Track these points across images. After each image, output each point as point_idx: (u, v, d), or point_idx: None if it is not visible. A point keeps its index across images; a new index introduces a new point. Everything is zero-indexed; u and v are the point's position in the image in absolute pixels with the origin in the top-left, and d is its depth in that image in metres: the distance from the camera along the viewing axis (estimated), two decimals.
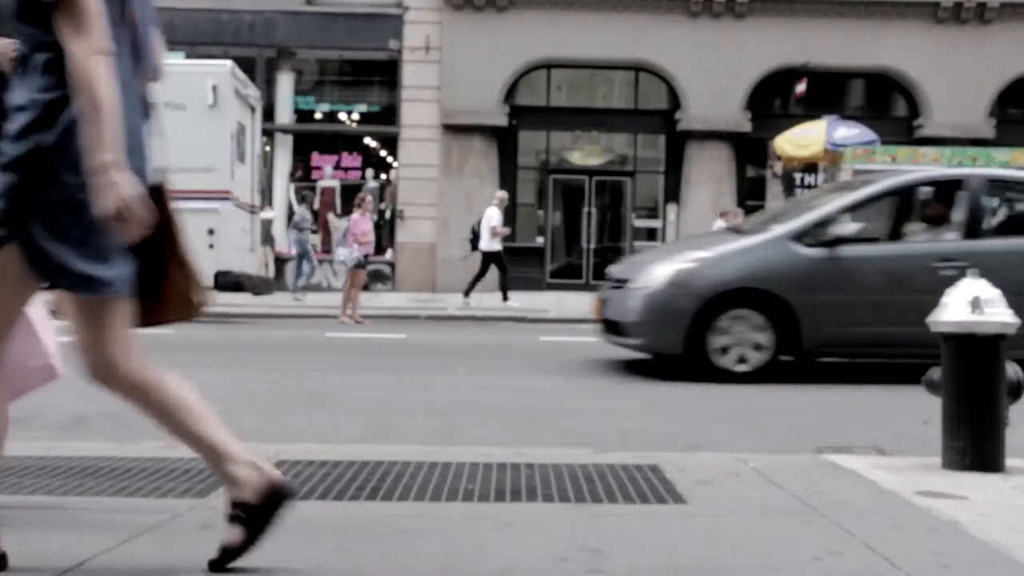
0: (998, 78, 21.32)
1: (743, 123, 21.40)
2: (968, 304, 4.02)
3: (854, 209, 8.33)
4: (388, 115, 22.19)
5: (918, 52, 21.18)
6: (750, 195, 22.19)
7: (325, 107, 22.39)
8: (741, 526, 3.21)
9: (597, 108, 22.64)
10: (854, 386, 7.77)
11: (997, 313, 4.02)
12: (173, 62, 17.46)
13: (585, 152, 23.09)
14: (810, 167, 20.22)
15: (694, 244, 9.04)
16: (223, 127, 13.83)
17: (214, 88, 13.72)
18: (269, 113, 20.37)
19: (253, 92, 15.59)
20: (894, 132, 20.25)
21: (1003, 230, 8.47)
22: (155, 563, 2.74)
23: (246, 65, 17.50)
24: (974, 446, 3.99)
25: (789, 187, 21.99)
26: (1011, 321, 4.06)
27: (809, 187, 21.72)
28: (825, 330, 7.76)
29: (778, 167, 21.21)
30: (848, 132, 17.72)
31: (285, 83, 22.04)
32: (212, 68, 14.35)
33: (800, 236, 7.93)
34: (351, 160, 22.34)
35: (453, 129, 21.32)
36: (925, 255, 7.97)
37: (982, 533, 3.11)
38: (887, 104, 22.51)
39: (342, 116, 22.39)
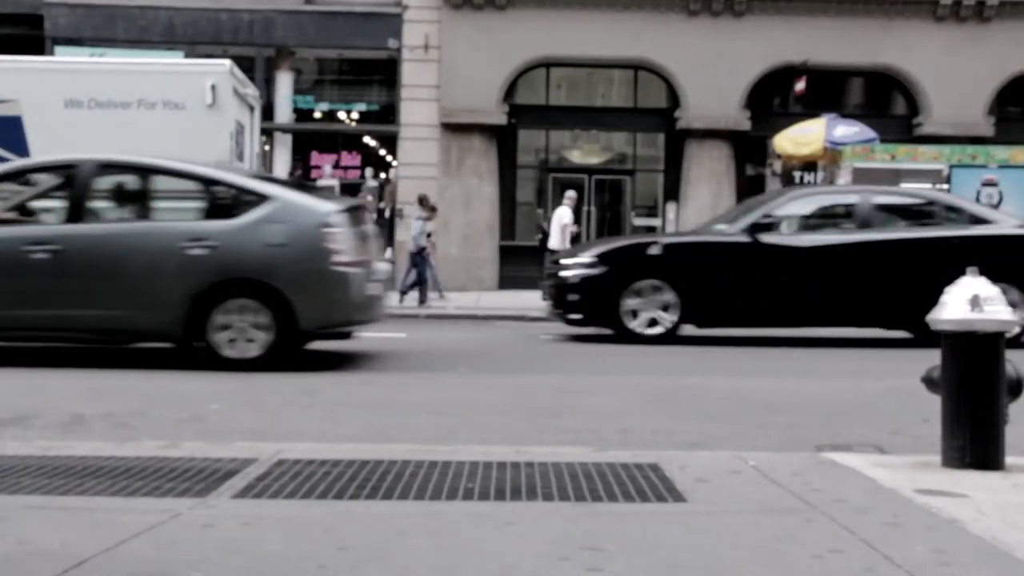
0: (997, 76, 21.31)
1: (742, 121, 21.40)
2: (967, 302, 4.01)
3: None
4: (387, 114, 22.19)
5: (917, 50, 21.18)
6: (749, 193, 22.15)
7: (324, 106, 22.38)
8: (741, 524, 3.21)
9: (596, 107, 22.63)
10: (853, 384, 7.78)
11: (996, 311, 4.02)
12: (172, 62, 17.49)
13: (584, 151, 23.09)
14: (809, 165, 20.22)
15: None
16: (222, 127, 13.81)
17: (213, 88, 13.70)
18: (268, 112, 20.35)
19: (252, 91, 15.57)
20: (893, 130, 20.24)
21: (114, 213, 8.52)
22: (155, 563, 2.73)
23: (245, 64, 17.48)
24: (974, 444, 3.99)
25: (788, 185, 22.00)
26: (1011, 319, 4.05)
27: (809, 185, 21.75)
28: None
29: (777, 165, 21.20)
30: (847, 130, 17.73)
31: (284, 82, 22.03)
32: (211, 68, 14.34)
33: None
34: (350, 159, 22.33)
35: (452, 128, 21.31)
36: (17, 239, 8.05)
37: (982, 531, 3.11)
38: (886, 102, 22.51)
39: (341, 115, 22.38)
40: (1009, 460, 4.04)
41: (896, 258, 10.75)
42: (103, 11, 21.18)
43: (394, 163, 22.26)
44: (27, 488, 3.60)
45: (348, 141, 22.51)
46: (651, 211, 22.48)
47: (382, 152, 22.77)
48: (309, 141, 22.37)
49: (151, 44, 20.89)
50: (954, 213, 11.42)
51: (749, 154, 21.99)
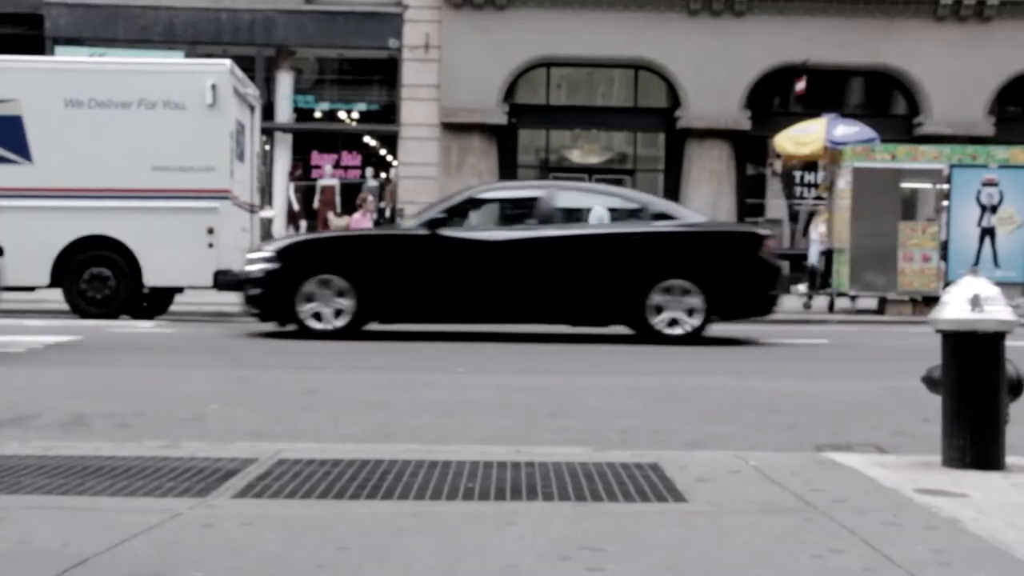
0: (998, 76, 21.33)
1: (743, 121, 21.41)
2: (968, 302, 4.00)
3: None
4: (388, 114, 22.20)
5: (918, 50, 21.19)
6: (750, 193, 22.21)
7: (324, 106, 22.40)
8: (741, 524, 3.21)
9: (597, 106, 22.66)
10: (853, 384, 7.78)
11: (997, 311, 4.01)
12: (172, 62, 17.50)
13: (585, 150, 23.11)
14: (810, 165, 20.25)
15: None
16: (222, 126, 13.82)
17: (213, 87, 13.71)
18: (269, 112, 20.37)
19: (252, 91, 15.57)
20: (894, 130, 20.28)
21: None
22: (155, 563, 2.73)
23: (245, 64, 17.49)
24: (974, 444, 3.99)
25: (789, 185, 22.01)
26: (1011, 319, 4.05)
27: (809, 185, 21.76)
28: None
29: (778, 165, 21.23)
30: (848, 130, 17.76)
31: (284, 82, 22.04)
32: (211, 67, 14.34)
33: None
34: (351, 159, 22.35)
35: (453, 128, 21.32)
36: None
37: (982, 530, 3.11)
38: (887, 102, 22.52)
39: (342, 115, 22.39)
40: (1009, 460, 4.04)
41: (577, 254, 10.67)
42: (103, 11, 21.19)
43: (394, 163, 22.27)
44: (27, 488, 3.59)
45: (348, 141, 22.52)
46: None
47: (382, 152, 22.78)
48: (309, 141, 22.39)
49: (151, 44, 20.91)
50: (639, 208, 11.37)
51: (749, 154, 22.01)
